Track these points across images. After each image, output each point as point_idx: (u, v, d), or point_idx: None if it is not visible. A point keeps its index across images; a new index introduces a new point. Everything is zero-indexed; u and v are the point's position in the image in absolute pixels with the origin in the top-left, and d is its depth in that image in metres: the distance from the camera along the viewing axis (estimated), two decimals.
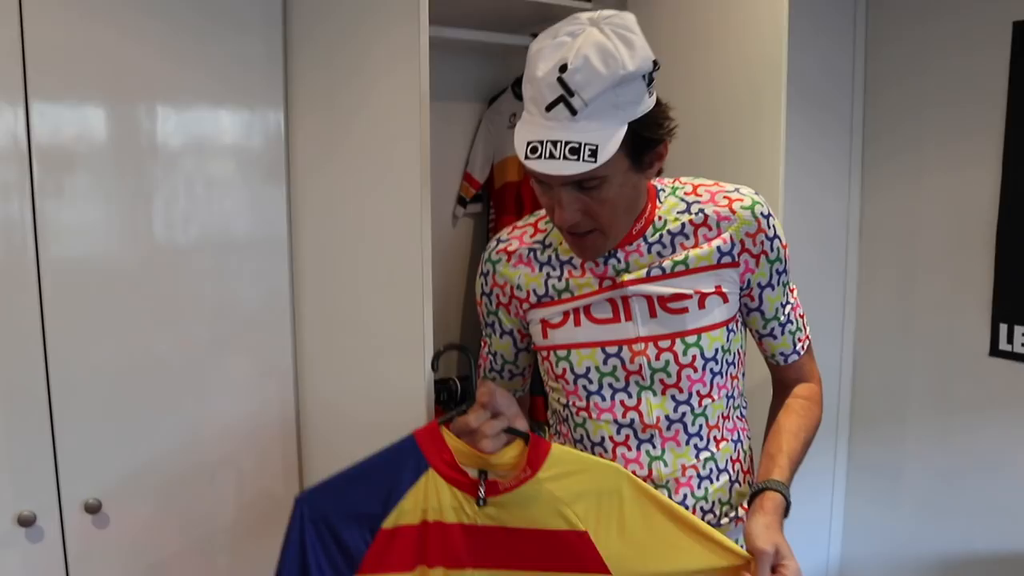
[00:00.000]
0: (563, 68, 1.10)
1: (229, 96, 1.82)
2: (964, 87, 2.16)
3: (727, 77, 1.82)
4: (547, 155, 1.12)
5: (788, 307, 1.37)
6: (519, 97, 2.28)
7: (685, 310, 1.29)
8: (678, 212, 1.31)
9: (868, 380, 2.47)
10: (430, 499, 1.24)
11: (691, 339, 1.29)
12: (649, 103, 1.18)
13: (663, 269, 1.29)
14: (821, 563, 2.55)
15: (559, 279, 1.34)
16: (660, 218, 1.31)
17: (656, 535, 1.22)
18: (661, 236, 1.30)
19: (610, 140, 1.12)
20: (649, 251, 1.30)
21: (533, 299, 1.36)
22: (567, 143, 1.12)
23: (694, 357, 1.29)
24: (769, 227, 1.30)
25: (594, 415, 1.34)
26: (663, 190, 1.33)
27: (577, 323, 1.32)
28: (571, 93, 1.11)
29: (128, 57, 1.69)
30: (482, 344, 1.51)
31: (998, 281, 2.12)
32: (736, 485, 1.37)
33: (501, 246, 1.41)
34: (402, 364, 1.59)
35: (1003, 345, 2.13)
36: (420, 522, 1.24)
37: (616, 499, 1.23)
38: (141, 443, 1.78)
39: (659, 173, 1.28)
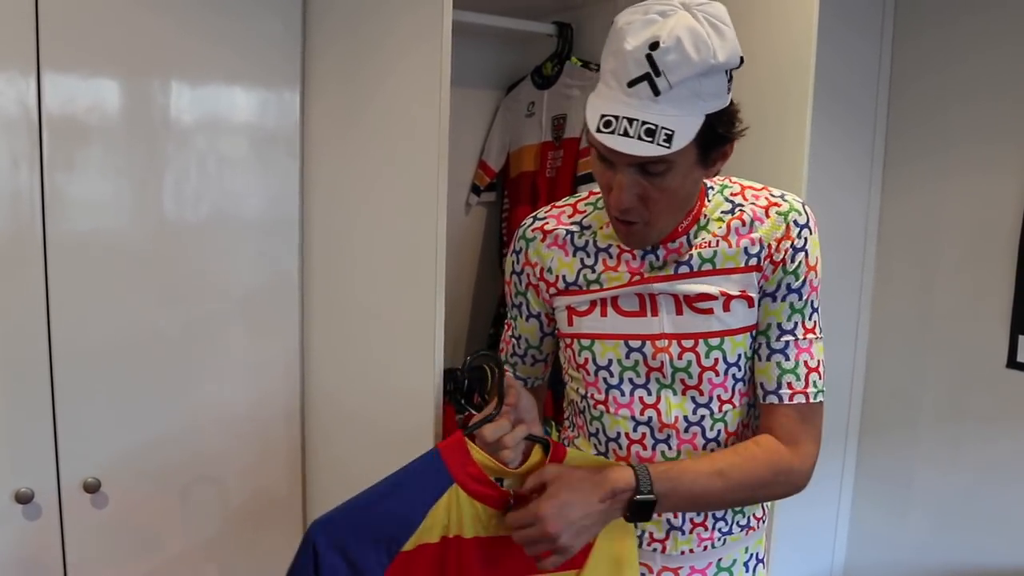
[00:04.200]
0: (654, 46, 1.07)
1: (245, 73, 1.79)
2: (991, 87, 2.12)
3: (753, 71, 1.78)
4: (621, 132, 1.08)
5: (788, 337, 1.25)
6: (538, 86, 2.25)
7: (710, 311, 1.25)
8: (722, 212, 1.27)
9: (880, 385, 2.44)
10: (452, 514, 1.21)
11: (714, 341, 1.25)
12: (727, 99, 1.15)
13: (690, 266, 1.25)
14: (825, 569, 2.53)
15: (592, 269, 1.30)
16: (705, 216, 1.27)
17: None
18: (702, 236, 1.26)
19: (687, 128, 1.09)
20: (690, 250, 1.26)
21: (561, 285, 1.33)
22: (644, 123, 1.08)
23: (716, 360, 1.25)
24: (799, 237, 1.23)
25: (612, 409, 1.30)
26: (712, 188, 1.29)
27: (604, 313, 1.29)
28: (658, 72, 1.07)
29: (144, 29, 1.66)
30: (506, 327, 1.47)
31: (1019, 291, 2.09)
32: None
33: (538, 224, 1.37)
34: (411, 353, 1.56)
35: (1021, 357, 2.09)
36: (440, 539, 1.21)
37: None
38: (143, 424, 1.76)
39: (716, 173, 1.24)
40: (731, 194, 1.28)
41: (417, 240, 1.53)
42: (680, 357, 1.26)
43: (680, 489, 1.18)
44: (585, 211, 1.35)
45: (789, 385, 1.24)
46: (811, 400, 1.24)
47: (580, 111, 2.13)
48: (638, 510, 1.16)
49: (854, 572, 2.53)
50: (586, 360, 1.31)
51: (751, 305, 1.25)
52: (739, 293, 1.24)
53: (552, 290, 1.34)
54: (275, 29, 1.80)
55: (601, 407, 1.31)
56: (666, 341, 1.26)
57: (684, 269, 1.25)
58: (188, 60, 1.72)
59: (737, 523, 1.33)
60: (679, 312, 1.25)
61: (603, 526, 1.19)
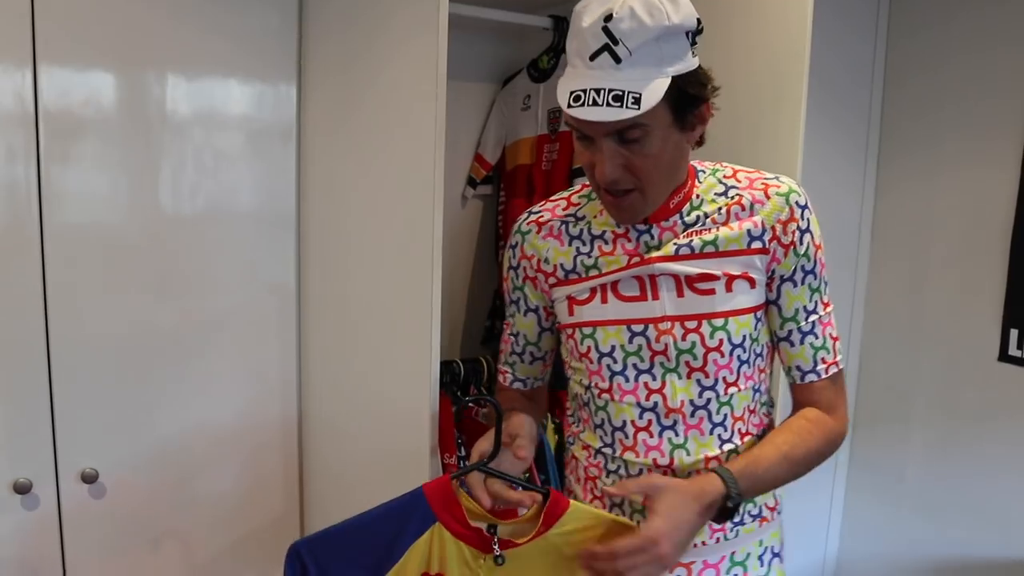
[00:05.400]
0: (608, 18, 1.11)
1: (241, 65, 1.79)
2: (985, 84, 2.13)
3: (748, 67, 1.79)
4: (590, 102, 1.12)
5: (813, 317, 1.29)
6: (534, 79, 2.25)
7: (712, 291, 1.25)
8: (716, 194, 1.28)
9: (873, 379, 2.45)
10: (434, 552, 1.22)
11: (718, 322, 1.25)
12: (693, 62, 1.18)
13: (692, 248, 1.26)
14: (818, 560, 2.55)
15: (588, 255, 1.32)
16: (698, 196, 1.28)
17: None
18: (697, 216, 1.27)
19: (653, 89, 1.12)
20: (684, 229, 1.27)
21: (560, 274, 1.34)
22: (611, 91, 1.12)
23: (721, 341, 1.25)
24: (803, 219, 1.26)
25: (616, 397, 1.30)
26: (703, 171, 1.31)
27: (604, 300, 1.29)
28: (615, 41, 1.12)
29: (140, 21, 1.66)
30: (505, 326, 1.48)
31: (1011, 285, 2.10)
32: None
33: (532, 217, 1.39)
34: (408, 346, 1.57)
35: (1012, 351, 2.11)
36: (422, 575, 1.22)
37: None
38: (141, 415, 1.77)
39: (701, 143, 1.26)
40: (723, 176, 1.30)
41: (414, 233, 1.54)
42: (684, 338, 1.26)
43: (758, 484, 1.22)
44: (579, 203, 1.37)
45: (823, 360, 1.30)
46: (840, 367, 1.32)
47: None
48: (726, 512, 1.18)
49: (847, 563, 2.55)
50: (588, 348, 1.31)
51: (753, 286, 1.26)
52: (741, 274, 1.25)
53: (551, 280, 1.35)
54: (271, 22, 1.80)
55: (606, 396, 1.31)
56: (669, 323, 1.26)
57: (685, 251, 1.26)
58: (184, 52, 1.72)
59: (749, 513, 1.33)
60: (680, 294, 1.26)
61: (694, 539, 1.19)
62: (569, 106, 1.13)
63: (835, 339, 1.31)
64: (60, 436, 1.67)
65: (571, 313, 1.33)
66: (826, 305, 1.31)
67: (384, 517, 1.21)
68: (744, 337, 1.26)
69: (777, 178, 1.28)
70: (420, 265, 1.52)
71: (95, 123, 1.65)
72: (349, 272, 1.80)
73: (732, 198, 1.27)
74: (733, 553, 1.32)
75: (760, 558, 1.35)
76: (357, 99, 1.72)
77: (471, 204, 2.43)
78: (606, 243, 1.31)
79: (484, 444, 1.27)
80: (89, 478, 1.69)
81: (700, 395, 1.27)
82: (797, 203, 1.25)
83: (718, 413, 1.28)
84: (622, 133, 1.16)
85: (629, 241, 1.29)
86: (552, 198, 1.42)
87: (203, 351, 1.82)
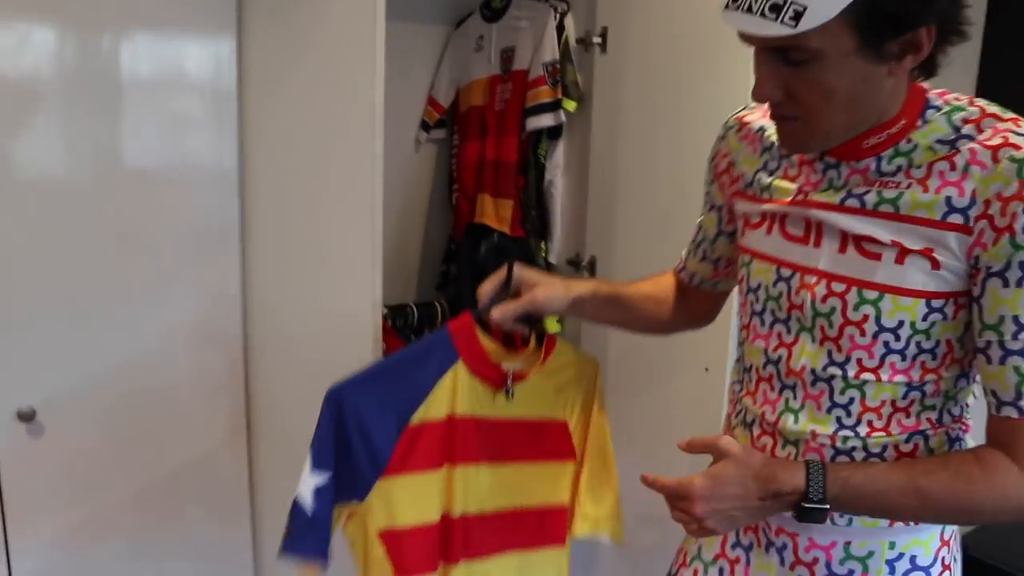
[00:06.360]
0: None
1: (178, 19, 1.75)
2: None
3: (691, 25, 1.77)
4: (745, 7, 0.90)
5: None
6: (487, 19, 2.22)
7: (878, 257, 1.01)
8: (938, 141, 0.98)
9: None
10: (457, 393, 1.28)
11: (870, 294, 1.01)
12: None
13: (863, 202, 1.02)
14: None
15: (770, 174, 1.14)
16: (910, 141, 1.00)
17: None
18: (899, 165, 1.00)
19: (825, 3, 0.87)
20: (878, 178, 1.02)
21: (741, 185, 1.19)
22: None
23: (865, 317, 1.02)
24: None
25: (750, 337, 1.16)
26: (938, 108, 1.00)
27: (769, 232, 1.12)
28: None
29: None
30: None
31: None
32: None
33: (741, 113, 1.23)
34: (350, 285, 1.56)
35: None
36: (446, 417, 1.28)
37: (582, 390, 1.40)
38: (82, 355, 1.75)
39: (926, 75, 1.00)
40: (962, 119, 0.98)
41: (356, 173, 1.52)
42: (824, 301, 1.05)
43: (861, 502, 1.01)
44: None
45: None
46: None
47: (528, 43, 2.12)
48: (807, 514, 1.01)
49: None
50: (743, 278, 1.18)
51: (936, 268, 0.98)
52: (921, 249, 0.98)
53: (734, 187, 1.22)
54: None
55: (744, 332, 1.18)
56: (815, 278, 1.06)
57: (853, 204, 1.02)
58: (120, 8, 1.67)
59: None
60: (842, 249, 1.04)
61: (757, 520, 1.12)
62: (726, 7, 0.94)
63: None
64: None
65: (742, 234, 1.19)
66: None
67: (410, 358, 1.28)
68: (902, 323, 1.01)
69: None
70: (362, 205, 1.50)
71: (30, 81, 1.60)
72: (294, 220, 1.78)
73: (950, 152, 0.97)
74: (848, 544, 1.10)
75: (891, 564, 1.10)
76: (298, 47, 1.69)
77: (425, 148, 2.41)
78: (792, 167, 1.11)
79: (487, 285, 1.29)
80: (26, 416, 1.67)
81: (825, 368, 1.07)
82: None
83: (842, 394, 1.06)
84: (787, 53, 0.94)
85: (814, 172, 1.08)
86: None
87: (145, 293, 1.80)
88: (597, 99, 2.05)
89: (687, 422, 1.77)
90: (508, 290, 1.27)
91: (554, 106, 2.05)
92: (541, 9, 2.08)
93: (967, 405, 1.09)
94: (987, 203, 0.93)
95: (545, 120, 2.06)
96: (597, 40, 2.01)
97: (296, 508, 1.19)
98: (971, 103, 0.99)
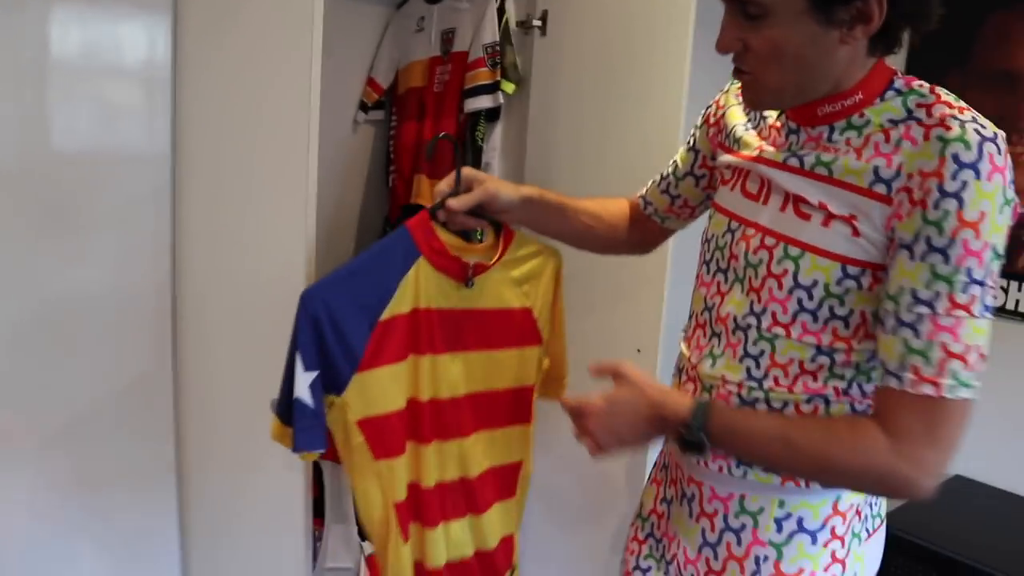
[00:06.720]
0: None
1: None
2: None
3: (630, 10, 1.78)
4: None
5: (923, 309, 0.95)
6: (429, 0, 2.20)
7: (808, 217, 1.04)
8: (890, 119, 1.01)
9: None
10: (420, 287, 1.34)
11: (793, 251, 1.05)
12: None
13: (802, 162, 1.06)
14: None
15: (746, 129, 1.20)
16: (864, 116, 1.03)
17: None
18: (851, 138, 1.04)
19: None
20: (830, 145, 1.06)
21: (721, 137, 1.25)
22: None
23: (785, 271, 1.06)
24: (954, 178, 0.92)
25: (697, 285, 1.23)
26: (899, 91, 1.03)
27: (732, 188, 1.18)
28: None
29: None
30: None
31: None
32: None
33: None
34: (283, 264, 1.53)
35: None
36: (411, 310, 1.34)
37: (545, 278, 1.48)
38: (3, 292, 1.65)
39: (884, 50, 1.03)
40: (916, 103, 1.00)
41: (292, 155, 1.49)
42: (755, 252, 1.10)
43: (736, 442, 1.07)
44: None
45: (914, 369, 0.96)
46: (943, 394, 0.95)
47: (469, 25, 2.11)
48: (688, 445, 1.09)
49: None
50: (705, 228, 1.25)
51: (856, 235, 1.01)
52: (844, 215, 1.01)
53: (719, 137, 1.27)
54: None
55: (696, 280, 1.24)
56: (753, 231, 1.11)
57: (793, 163, 1.07)
58: None
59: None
60: (783, 208, 1.08)
61: (650, 441, 1.19)
62: None
63: (952, 355, 0.95)
64: None
65: (717, 190, 1.24)
66: (958, 306, 0.94)
67: (375, 257, 1.32)
68: (816, 283, 1.04)
69: (964, 122, 0.95)
70: (296, 192, 1.47)
71: None
72: (228, 200, 1.75)
73: (893, 128, 1.00)
74: (743, 497, 1.14)
75: (778, 522, 1.12)
76: (234, 21, 1.65)
77: (363, 130, 2.40)
78: (766, 128, 1.17)
79: (443, 185, 1.35)
80: None
81: (745, 317, 1.11)
82: (956, 156, 0.92)
83: (755, 344, 1.10)
84: (745, 6, 0.99)
85: (780, 135, 1.12)
86: None
87: (70, 249, 1.73)
88: (535, 82, 2.06)
89: None
90: (459, 186, 1.34)
91: (492, 88, 2.05)
92: None
93: None
94: (910, 176, 0.96)
95: (483, 102, 2.06)
96: (537, 23, 2.02)
97: (300, 408, 1.26)
98: (932, 91, 1.01)
